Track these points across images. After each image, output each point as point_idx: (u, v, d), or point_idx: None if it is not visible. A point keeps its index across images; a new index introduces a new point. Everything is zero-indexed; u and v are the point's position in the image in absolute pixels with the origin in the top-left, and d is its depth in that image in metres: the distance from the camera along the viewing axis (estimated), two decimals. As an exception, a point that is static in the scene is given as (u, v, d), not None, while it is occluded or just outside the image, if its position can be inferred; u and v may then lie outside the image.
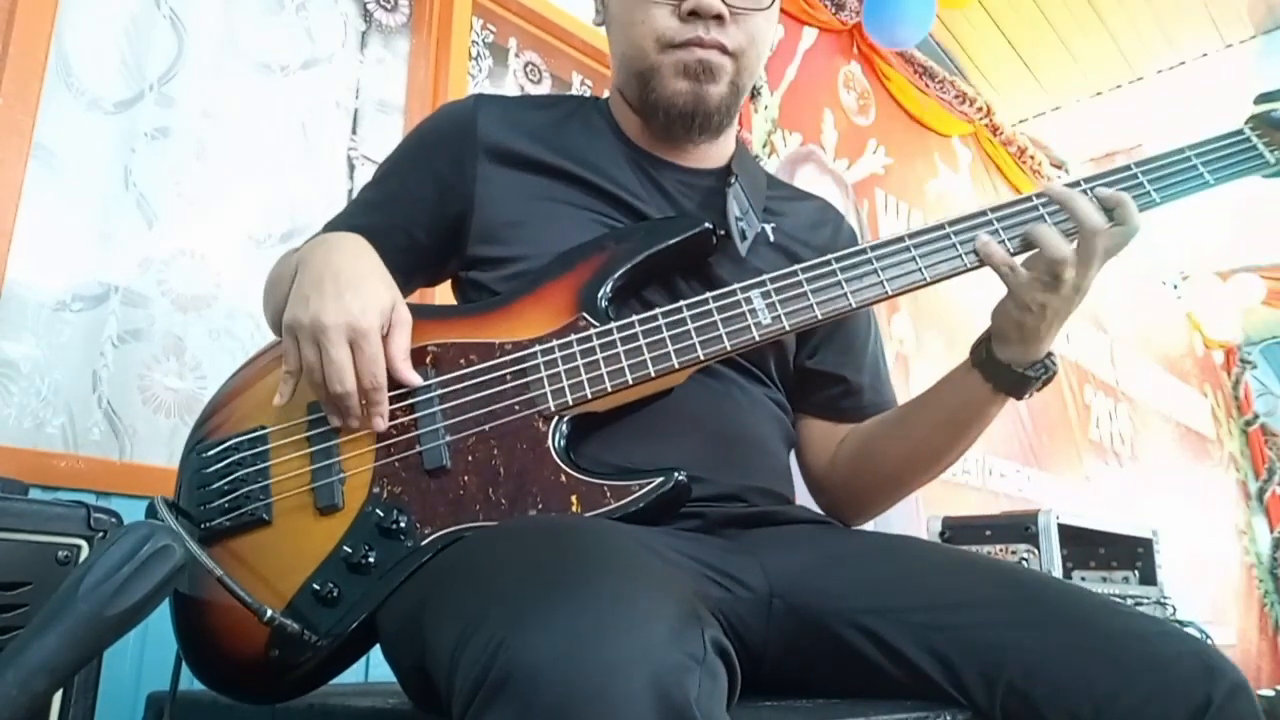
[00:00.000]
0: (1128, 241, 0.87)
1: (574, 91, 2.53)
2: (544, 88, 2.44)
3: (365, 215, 1.01)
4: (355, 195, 1.09)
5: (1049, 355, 0.91)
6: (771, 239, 1.02)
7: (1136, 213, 0.86)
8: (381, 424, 0.83)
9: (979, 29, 3.68)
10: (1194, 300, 5.65)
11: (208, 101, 1.81)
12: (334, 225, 1.02)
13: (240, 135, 1.84)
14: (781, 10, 2.96)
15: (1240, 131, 0.93)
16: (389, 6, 2.17)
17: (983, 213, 0.89)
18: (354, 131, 2.06)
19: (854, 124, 3.24)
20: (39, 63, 1.54)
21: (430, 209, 0.99)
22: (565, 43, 2.48)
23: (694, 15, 0.93)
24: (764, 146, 2.73)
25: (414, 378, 0.85)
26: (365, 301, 0.82)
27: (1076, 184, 0.89)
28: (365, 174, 2.01)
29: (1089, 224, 0.84)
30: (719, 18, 0.93)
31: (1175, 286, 5.61)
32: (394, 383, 0.84)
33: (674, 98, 0.96)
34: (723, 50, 0.94)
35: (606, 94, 1.10)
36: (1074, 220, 0.85)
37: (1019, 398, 0.93)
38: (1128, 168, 0.90)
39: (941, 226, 0.89)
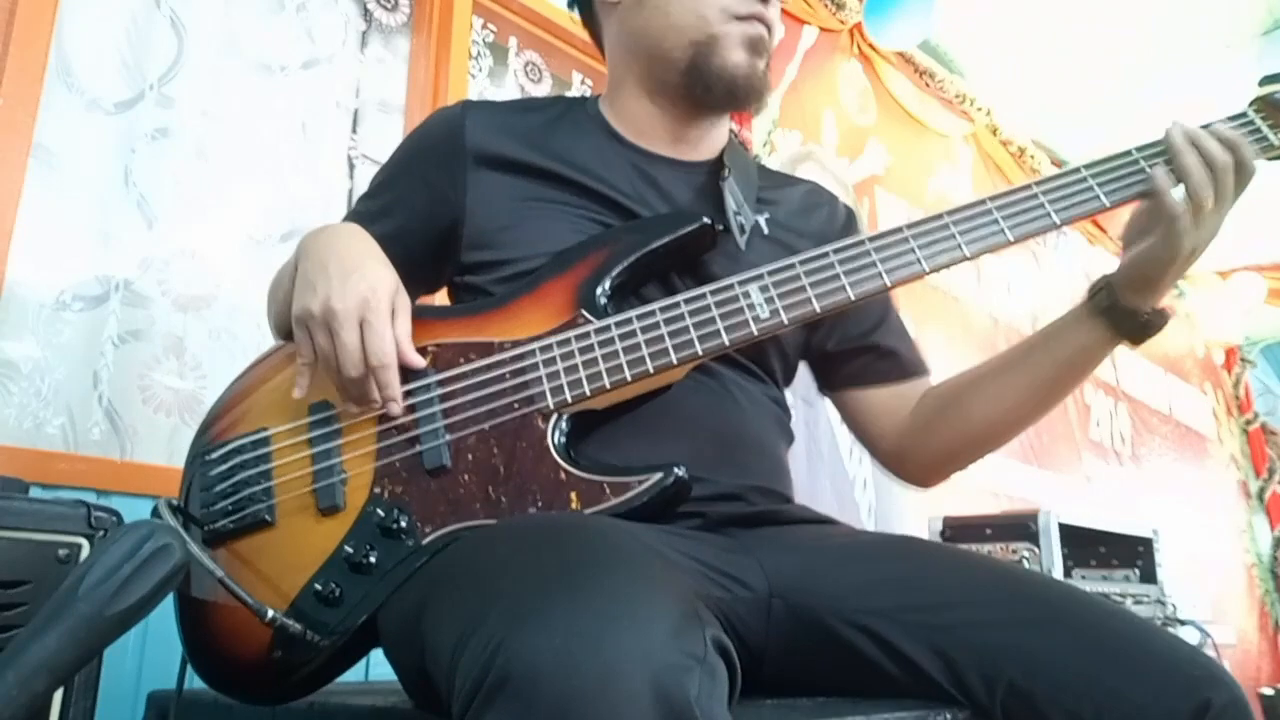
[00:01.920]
0: (1250, 176, 0.88)
1: (574, 91, 2.53)
2: (544, 87, 2.44)
3: (362, 228, 1.01)
4: (352, 206, 1.09)
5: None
6: (766, 230, 1.02)
7: (1252, 154, 0.88)
8: (396, 408, 0.83)
9: (979, 29, 3.68)
10: (1194, 300, 5.65)
11: (208, 101, 1.80)
12: None
13: (240, 135, 1.84)
14: (781, 10, 2.97)
15: (1244, 114, 0.93)
16: (389, 6, 2.17)
17: (981, 201, 0.89)
18: (354, 131, 2.06)
19: (854, 124, 3.24)
20: (39, 63, 1.54)
21: (424, 219, 1.00)
22: (565, 42, 2.48)
23: None
24: (764, 146, 2.73)
25: (417, 359, 0.85)
26: (372, 283, 0.83)
27: (1078, 170, 0.90)
28: (365, 173, 2.01)
29: (1220, 160, 0.85)
30: None
31: (1175, 286, 5.61)
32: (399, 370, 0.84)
33: (735, 67, 0.98)
34: (770, 30, 0.99)
35: (595, 93, 1.11)
36: (1206, 160, 0.86)
37: (1137, 344, 0.93)
38: (1129, 153, 0.90)
39: (940, 217, 0.89)
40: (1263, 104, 0.93)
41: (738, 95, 0.99)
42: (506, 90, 2.36)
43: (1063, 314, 0.96)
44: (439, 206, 0.99)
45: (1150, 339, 0.93)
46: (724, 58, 0.97)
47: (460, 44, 2.20)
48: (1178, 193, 0.86)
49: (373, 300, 0.82)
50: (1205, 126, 0.89)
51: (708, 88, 0.99)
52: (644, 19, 1.01)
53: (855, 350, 1.08)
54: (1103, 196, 0.89)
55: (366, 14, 2.13)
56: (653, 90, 1.03)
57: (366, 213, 1.04)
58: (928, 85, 3.59)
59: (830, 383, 1.11)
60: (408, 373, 0.85)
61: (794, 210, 1.08)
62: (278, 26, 1.95)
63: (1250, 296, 5.38)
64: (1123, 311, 0.91)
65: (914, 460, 1.07)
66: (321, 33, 2.03)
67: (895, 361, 1.08)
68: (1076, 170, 0.90)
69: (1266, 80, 0.94)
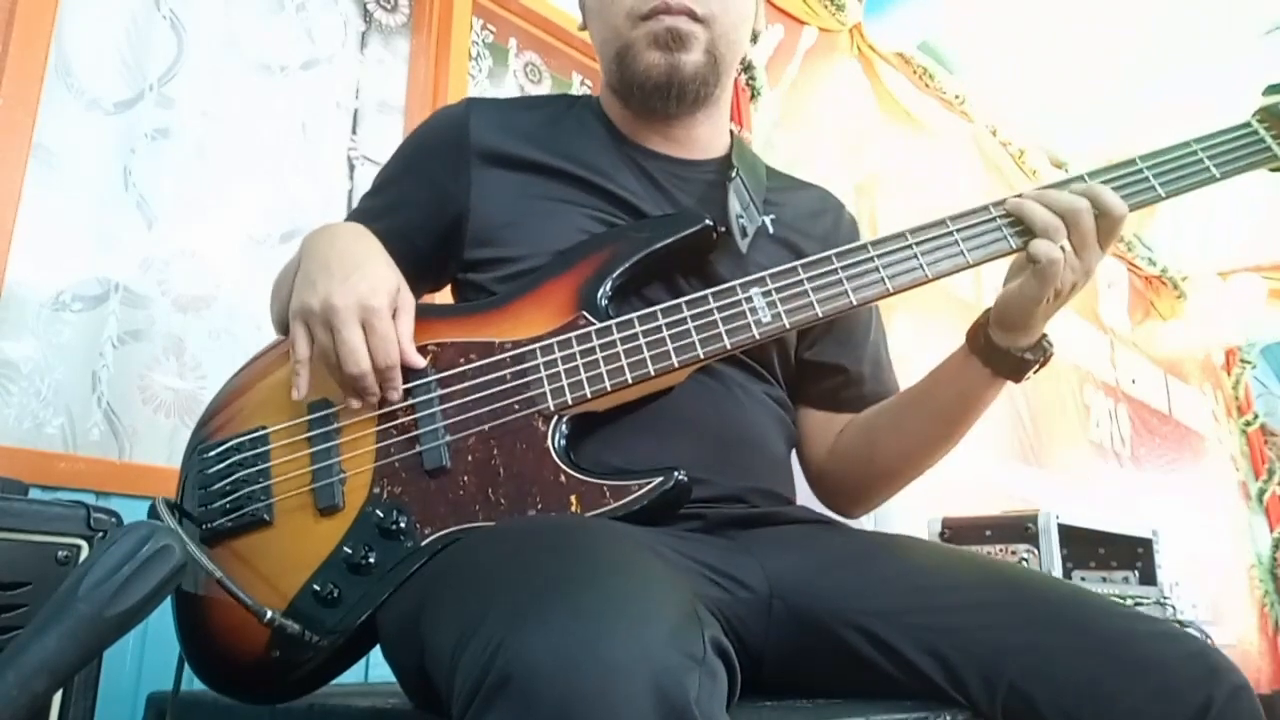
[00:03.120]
0: (1119, 226, 0.87)
1: (574, 91, 2.53)
2: (544, 88, 2.44)
3: (366, 224, 1.01)
4: (355, 204, 1.09)
5: (1044, 337, 0.92)
6: (772, 231, 1.01)
7: (1115, 199, 0.86)
8: (396, 398, 0.84)
9: (979, 29, 3.68)
10: (1194, 300, 5.64)
11: (208, 101, 1.80)
12: None
13: (240, 135, 1.84)
14: (781, 10, 2.97)
15: (1247, 124, 0.92)
16: (389, 6, 2.17)
17: (984, 208, 0.89)
18: (354, 131, 2.06)
19: (854, 124, 3.24)
20: (39, 63, 1.54)
21: (428, 215, 1.00)
22: (565, 43, 2.48)
23: None
24: (764, 146, 2.73)
25: (418, 359, 0.85)
26: (373, 282, 0.83)
27: (1080, 178, 0.89)
28: (365, 174, 2.01)
29: (1068, 205, 0.85)
30: None
31: (1175, 286, 5.61)
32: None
33: (648, 70, 0.96)
34: (692, 16, 0.95)
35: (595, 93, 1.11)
36: (1064, 218, 0.85)
37: (1018, 381, 0.93)
38: (1132, 162, 0.90)
39: (943, 223, 0.89)
40: (1266, 114, 0.92)
41: (668, 95, 0.97)
42: (506, 91, 2.36)
43: (947, 356, 0.96)
44: (443, 203, 0.99)
45: (1031, 374, 0.92)
46: (637, 62, 0.96)
47: (460, 44, 2.20)
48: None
49: (373, 299, 0.82)
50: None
51: (631, 94, 0.99)
52: (593, 37, 1.04)
53: (826, 367, 1.06)
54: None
55: (366, 14, 2.13)
56: (619, 92, 1.03)
57: (370, 210, 1.04)
58: (927, 85, 3.59)
59: (791, 391, 1.10)
60: (408, 371, 0.85)
61: (802, 213, 1.08)
62: (278, 26, 1.95)
63: (1250, 297, 5.38)
64: (997, 351, 0.91)
65: (828, 487, 1.09)
66: (321, 33, 2.03)
67: (855, 391, 1.07)
68: (1080, 178, 0.89)
69: (1271, 89, 0.92)
